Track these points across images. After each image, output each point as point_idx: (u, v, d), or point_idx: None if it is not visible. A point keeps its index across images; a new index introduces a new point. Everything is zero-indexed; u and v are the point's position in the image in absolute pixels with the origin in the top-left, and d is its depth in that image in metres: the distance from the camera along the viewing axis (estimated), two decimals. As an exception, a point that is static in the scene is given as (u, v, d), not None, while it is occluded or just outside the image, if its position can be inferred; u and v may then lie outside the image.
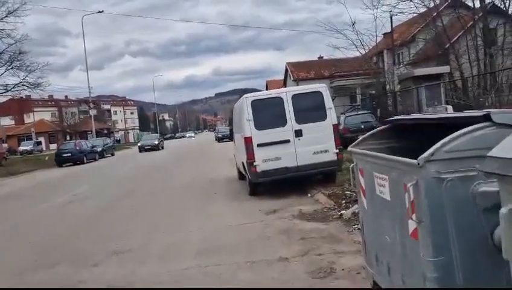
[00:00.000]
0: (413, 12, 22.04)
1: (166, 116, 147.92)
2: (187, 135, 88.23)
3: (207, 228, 7.00)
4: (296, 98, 8.79)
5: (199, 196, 10.40)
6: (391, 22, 19.97)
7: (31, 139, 54.91)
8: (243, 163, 9.62)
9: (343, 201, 7.42)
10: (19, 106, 67.53)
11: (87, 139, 42.98)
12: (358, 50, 22.70)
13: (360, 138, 3.67)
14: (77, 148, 29.00)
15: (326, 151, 8.78)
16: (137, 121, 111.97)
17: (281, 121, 8.72)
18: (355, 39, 22.65)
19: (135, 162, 26.44)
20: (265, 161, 8.62)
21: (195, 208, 8.90)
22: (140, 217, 8.70)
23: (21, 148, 51.34)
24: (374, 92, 22.64)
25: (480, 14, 21.69)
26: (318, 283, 4.26)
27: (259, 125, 8.66)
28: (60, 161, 27.97)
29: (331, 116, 8.85)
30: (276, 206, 8.00)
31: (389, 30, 27.53)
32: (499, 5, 22.58)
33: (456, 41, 22.88)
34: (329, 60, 29.82)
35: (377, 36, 22.81)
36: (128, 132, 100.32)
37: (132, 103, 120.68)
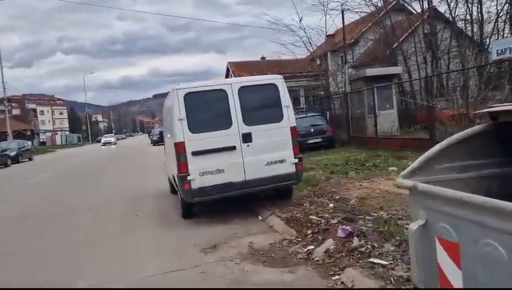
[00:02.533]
0: (361, 12, 21.04)
1: (100, 118, 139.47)
2: (102, 140, 58.90)
3: (109, 285, 4.65)
4: (244, 91, 6.73)
5: (116, 219, 7.93)
6: (342, 16, 18.69)
7: None
8: (173, 176, 7.38)
9: (309, 231, 5.44)
10: None
11: (6, 140, 37.79)
12: (306, 47, 21.25)
13: (426, 154, 1.72)
14: (-19, 152, 24.70)
15: (282, 161, 6.80)
16: (66, 121, 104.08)
17: (225, 122, 6.63)
18: (302, 36, 21.15)
19: (53, 169, 22.80)
20: (202, 174, 6.45)
21: (104, 241, 6.46)
22: (17, 260, 6.11)
23: None
24: (322, 93, 21.25)
25: (426, 14, 21.16)
26: None
27: (195, 126, 6.48)
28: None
29: (289, 116, 6.90)
30: (217, 237, 5.86)
31: (332, 32, 26.70)
32: (442, 11, 22.33)
33: (404, 42, 22.28)
34: (273, 60, 28.36)
35: (326, 33, 21.50)
36: (56, 133, 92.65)
37: (61, 102, 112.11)
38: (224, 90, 6.68)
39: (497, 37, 21.17)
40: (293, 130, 6.89)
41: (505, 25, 20.90)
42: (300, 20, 20.73)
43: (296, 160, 6.86)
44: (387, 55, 22.18)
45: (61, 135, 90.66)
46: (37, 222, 8.52)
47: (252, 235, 5.85)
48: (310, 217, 5.88)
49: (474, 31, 21.65)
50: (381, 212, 6.05)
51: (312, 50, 21.92)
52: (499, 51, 8.84)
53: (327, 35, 25.96)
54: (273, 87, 6.88)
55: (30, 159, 32.25)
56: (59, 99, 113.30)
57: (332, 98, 19.38)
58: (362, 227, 5.23)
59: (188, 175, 6.39)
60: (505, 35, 21.30)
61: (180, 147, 6.42)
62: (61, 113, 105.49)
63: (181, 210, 7.25)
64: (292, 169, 6.85)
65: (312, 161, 12.08)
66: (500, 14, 20.02)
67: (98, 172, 17.84)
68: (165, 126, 9.13)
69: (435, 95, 12.16)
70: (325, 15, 20.66)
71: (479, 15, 21.09)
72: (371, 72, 16.57)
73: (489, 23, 21.19)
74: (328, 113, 18.69)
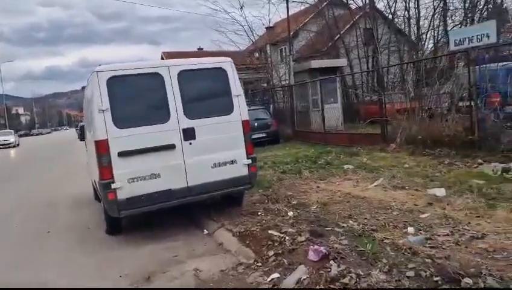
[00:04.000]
0: (304, 1, 20.36)
1: (21, 111, 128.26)
2: None
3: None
4: (185, 76, 5.43)
5: (21, 237, 6.26)
6: (287, 5, 17.78)
7: None
8: (95, 182, 5.90)
9: (271, 251, 4.31)
10: None
11: None
12: (248, 36, 20.16)
13: None
14: None
15: (233, 162, 5.61)
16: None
17: (161, 114, 5.29)
18: (244, 25, 20.04)
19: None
20: (132, 180, 5.06)
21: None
22: None
23: None
24: (265, 85, 20.29)
25: (367, 8, 20.99)
26: None
27: (122, 120, 5.08)
28: None
29: (241, 107, 5.71)
30: (153, 262, 4.57)
31: (272, 25, 25.86)
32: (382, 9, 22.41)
33: (346, 36, 22.01)
34: (212, 52, 26.97)
35: (270, 20, 20.58)
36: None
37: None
38: (159, 74, 5.32)
39: (432, 33, 21.62)
40: (246, 124, 5.71)
41: (440, 22, 21.35)
42: (241, 7, 19.57)
43: (249, 161, 5.71)
44: (329, 48, 21.78)
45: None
46: None
47: (197, 258, 4.61)
48: (270, 232, 4.75)
49: (412, 26, 21.95)
50: (351, 222, 5.11)
51: (254, 40, 20.88)
52: (457, 41, 8.34)
53: (267, 28, 25.11)
54: (222, 72, 5.64)
55: None
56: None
57: (275, 91, 18.48)
58: (336, 245, 4.21)
59: (113, 182, 4.98)
60: (439, 32, 21.84)
61: (102, 147, 4.97)
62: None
63: (105, 224, 5.81)
64: (244, 171, 5.68)
65: (258, 158, 10.97)
66: (437, 10, 20.34)
67: (10, 174, 15.42)
68: (85, 119, 7.51)
69: (384, 88, 11.57)
70: (269, 3, 19.81)
71: (417, 11, 21.36)
72: (315, 64, 15.86)
73: (425, 19, 21.55)
74: (271, 106, 17.76)
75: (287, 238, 4.46)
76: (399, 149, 9.89)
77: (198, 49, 35.28)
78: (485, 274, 3.27)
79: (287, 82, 20.80)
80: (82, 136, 8.08)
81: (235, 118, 5.65)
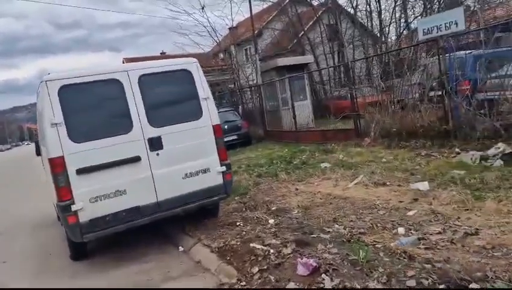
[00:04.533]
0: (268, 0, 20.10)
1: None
2: None
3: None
4: (146, 81, 4.94)
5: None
6: (250, 4, 17.38)
7: None
8: (54, 204, 5.33)
9: (255, 268, 3.90)
10: None
11: None
12: (211, 36, 19.71)
13: None
14: None
15: (205, 171, 5.18)
16: None
17: (122, 124, 4.79)
18: (206, 25, 19.56)
19: None
20: (95, 200, 4.54)
21: None
22: None
23: None
24: (232, 86, 19.86)
25: (329, 3, 20.99)
26: None
27: (79, 133, 4.55)
28: None
29: (210, 111, 5.28)
30: (123, 290, 4.07)
31: (235, 25, 25.49)
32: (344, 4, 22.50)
33: (310, 32, 21.90)
34: (174, 55, 26.29)
35: (233, 20, 20.19)
36: None
37: None
38: (118, 81, 4.81)
39: (394, 26, 21.87)
40: (217, 128, 5.29)
41: (401, 14, 21.62)
42: (202, 8, 19.05)
43: (224, 168, 5.29)
44: (294, 45, 21.62)
45: None
46: None
47: (173, 281, 4.17)
48: (251, 245, 4.34)
49: (374, 20, 22.13)
50: (337, 226, 4.79)
51: (218, 40, 20.44)
52: (425, 30, 8.21)
53: (229, 28, 24.71)
54: (186, 74, 5.19)
55: None
56: None
57: (243, 92, 18.09)
58: (325, 254, 3.86)
59: (73, 203, 4.44)
60: (401, 24, 22.12)
61: (56, 165, 4.42)
62: None
63: (68, 249, 5.24)
64: (219, 180, 5.26)
65: (231, 162, 10.55)
66: (397, 3, 20.57)
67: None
68: (39, 134, 6.87)
69: (353, 82, 11.40)
70: (231, 2, 19.44)
71: (378, 4, 21.54)
72: (282, 61, 15.57)
73: (386, 12, 21.78)
74: (240, 108, 17.35)
75: (271, 251, 4.07)
76: (374, 143, 9.71)
77: (161, 53, 34.39)
78: (491, 277, 3.00)
79: (254, 82, 20.51)
80: (38, 152, 7.40)
81: (204, 123, 5.22)
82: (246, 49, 28.76)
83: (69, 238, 4.87)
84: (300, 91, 15.52)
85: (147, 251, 5.12)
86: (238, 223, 5.35)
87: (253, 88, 17.06)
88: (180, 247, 5.14)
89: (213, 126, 5.25)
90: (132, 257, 5.01)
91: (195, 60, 5.34)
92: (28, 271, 5.20)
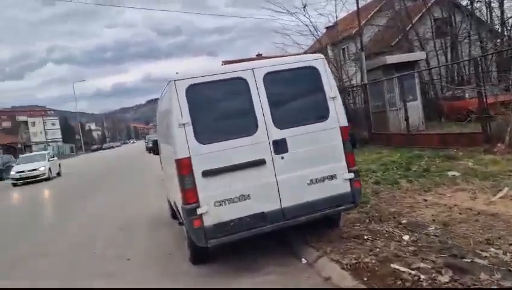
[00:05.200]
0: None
1: (93, 126, 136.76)
2: (12, 173, 21.96)
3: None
4: (272, 79, 4.64)
5: (96, 267, 5.79)
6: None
7: None
8: (175, 205, 5.29)
9: (402, 294, 3.34)
10: None
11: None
12: (313, 35, 19.24)
13: None
14: None
15: (332, 177, 4.72)
16: (59, 132, 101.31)
17: (247, 125, 4.55)
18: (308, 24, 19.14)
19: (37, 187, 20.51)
20: (219, 204, 4.35)
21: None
22: None
23: None
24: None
25: None
26: None
27: (205, 134, 4.40)
28: None
29: (337, 112, 4.82)
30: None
31: (332, 24, 24.70)
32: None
33: (419, 27, 20.27)
34: (270, 57, 26.38)
35: (337, 17, 19.48)
36: (48, 145, 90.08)
37: (53, 112, 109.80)
38: (243, 79, 4.59)
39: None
40: (344, 131, 4.80)
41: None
42: (304, 7, 18.64)
43: (352, 174, 4.78)
44: (399, 41, 20.21)
45: (53, 146, 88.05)
46: None
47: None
48: (393, 266, 3.78)
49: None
50: (493, 249, 3.99)
51: (319, 38, 19.91)
52: None
53: (327, 28, 23.96)
54: (313, 71, 4.79)
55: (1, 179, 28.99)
56: (50, 109, 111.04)
57: (347, 92, 17.31)
58: (494, 287, 3.16)
59: (198, 207, 4.29)
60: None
61: (184, 166, 4.31)
62: (53, 124, 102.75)
63: (188, 252, 5.16)
64: (346, 188, 4.76)
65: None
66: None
67: (82, 192, 15.71)
68: (160, 134, 7.01)
69: (482, 80, 10.07)
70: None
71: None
72: (391, 59, 14.50)
73: (509, 1, 19.29)
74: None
75: (422, 277, 3.47)
76: (510, 150, 8.41)
77: (257, 55, 34.87)
78: None
79: (355, 82, 19.54)
80: (156, 151, 7.61)
81: (332, 125, 4.76)
82: (343, 49, 27.76)
83: (192, 242, 4.75)
84: (409, 91, 14.31)
85: (267, 261, 4.81)
86: (365, 237, 4.80)
87: (355, 88, 16.19)
88: (302, 259, 4.75)
89: (340, 128, 4.78)
90: (252, 267, 4.73)
91: (322, 56, 4.93)
92: (154, 268, 5.24)
